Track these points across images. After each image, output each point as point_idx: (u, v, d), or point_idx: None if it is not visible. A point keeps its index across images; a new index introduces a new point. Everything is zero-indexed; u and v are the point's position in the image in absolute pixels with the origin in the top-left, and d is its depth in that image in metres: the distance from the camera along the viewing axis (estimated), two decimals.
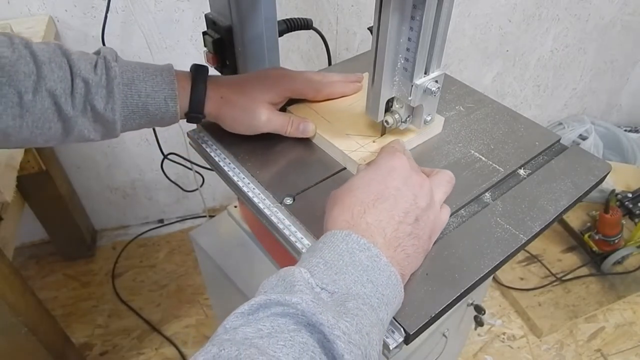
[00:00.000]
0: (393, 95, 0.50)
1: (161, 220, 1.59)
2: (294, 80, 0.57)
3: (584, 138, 1.73)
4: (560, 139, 0.58)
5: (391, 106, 0.52)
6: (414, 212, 0.40)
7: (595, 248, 1.46)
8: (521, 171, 0.54)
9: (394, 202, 0.40)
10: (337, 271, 0.34)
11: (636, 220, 1.46)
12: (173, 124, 0.54)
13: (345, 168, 0.53)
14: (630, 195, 1.48)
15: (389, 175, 0.42)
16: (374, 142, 0.54)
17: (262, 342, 0.28)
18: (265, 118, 0.53)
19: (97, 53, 0.51)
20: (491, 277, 0.66)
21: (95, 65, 0.48)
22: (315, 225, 0.46)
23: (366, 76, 0.63)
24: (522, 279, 1.47)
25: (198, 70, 0.54)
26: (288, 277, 0.33)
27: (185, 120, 0.55)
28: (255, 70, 0.62)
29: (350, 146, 0.53)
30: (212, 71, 0.64)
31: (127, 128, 0.52)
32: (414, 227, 0.40)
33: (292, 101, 0.59)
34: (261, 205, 0.49)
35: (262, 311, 0.31)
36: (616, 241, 1.42)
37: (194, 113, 0.53)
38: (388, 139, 0.54)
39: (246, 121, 0.54)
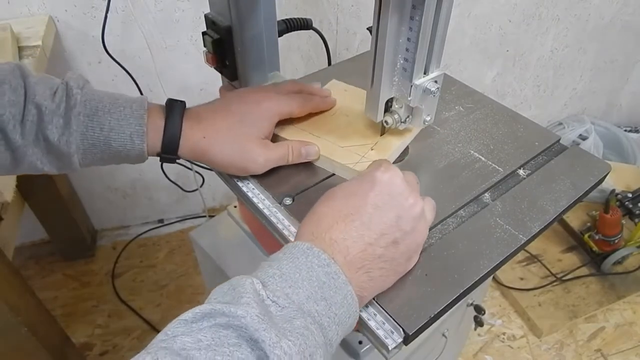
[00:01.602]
0: (392, 96, 0.50)
1: (161, 220, 1.59)
2: (277, 102, 0.52)
3: (584, 138, 1.73)
4: (559, 139, 0.58)
5: (390, 106, 0.51)
6: (392, 235, 0.38)
7: (595, 248, 1.46)
8: (521, 171, 0.54)
9: (368, 221, 0.37)
10: (292, 284, 0.33)
11: (636, 220, 1.45)
12: (141, 162, 0.49)
13: None
14: (630, 195, 1.48)
15: (372, 190, 0.39)
16: (372, 149, 0.53)
17: (199, 355, 0.27)
18: (263, 159, 0.49)
19: (63, 79, 0.46)
20: (491, 277, 0.66)
21: (55, 92, 0.44)
22: None
23: (332, 86, 0.62)
24: (522, 279, 1.47)
25: (171, 106, 0.48)
26: (239, 287, 0.31)
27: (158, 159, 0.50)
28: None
29: (352, 158, 0.52)
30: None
31: (88, 162, 0.47)
32: (389, 249, 0.38)
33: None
34: (261, 206, 0.49)
35: (206, 320, 0.30)
36: (616, 241, 1.42)
37: (166, 154, 0.48)
38: (387, 139, 0.54)
39: (241, 165, 0.49)
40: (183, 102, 0.49)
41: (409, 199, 0.39)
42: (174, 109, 0.48)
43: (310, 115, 0.58)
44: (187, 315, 0.30)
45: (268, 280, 0.33)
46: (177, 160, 0.50)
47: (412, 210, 0.39)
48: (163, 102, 0.50)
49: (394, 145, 0.53)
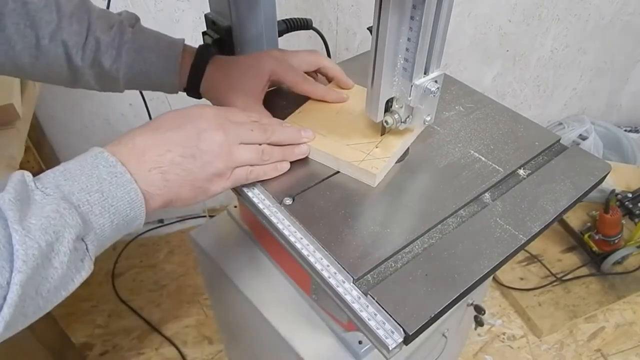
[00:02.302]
0: (393, 96, 0.50)
1: (161, 220, 1.59)
2: (275, 64, 0.57)
3: (584, 138, 1.73)
4: (560, 139, 0.58)
5: (391, 106, 0.51)
6: (190, 149, 0.43)
7: (595, 248, 1.46)
8: (521, 171, 0.54)
9: (172, 134, 0.43)
10: (69, 178, 0.37)
11: (636, 220, 1.46)
12: (174, 93, 0.60)
13: None
14: (630, 195, 1.48)
15: (185, 117, 0.45)
16: (376, 147, 0.53)
17: None
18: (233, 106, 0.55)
19: (119, 14, 0.56)
20: (491, 277, 0.66)
21: (112, 27, 0.53)
22: (315, 225, 0.46)
23: (357, 90, 0.62)
24: (522, 279, 1.47)
25: (201, 54, 0.58)
26: (9, 179, 0.35)
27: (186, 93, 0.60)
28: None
29: (357, 156, 0.52)
30: None
31: (130, 87, 0.58)
32: (187, 160, 0.43)
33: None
34: (261, 206, 0.49)
35: None
36: (616, 241, 1.42)
37: (190, 90, 0.59)
38: (390, 137, 0.54)
39: (220, 102, 0.57)
40: (211, 50, 0.59)
41: (210, 126, 0.45)
42: (202, 55, 0.57)
43: (315, 113, 0.58)
44: None
45: (48, 174, 0.38)
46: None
47: (212, 134, 0.45)
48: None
49: (398, 143, 0.54)
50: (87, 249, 0.38)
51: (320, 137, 0.54)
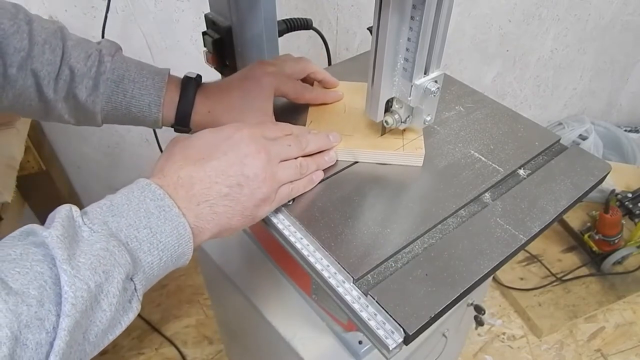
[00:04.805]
0: (393, 96, 0.50)
1: None
2: (276, 80, 0.55)
3: (584, 138, 1.73)
4: (560, 139, 0.58)
5: (391, 106, 0.52)
6: (236, 178, 0.42)
7: (595, 248, 1.46)
8: (521, 171, 0.54)
9: (215, 164, 0.42)
10: (115, 213, 0.36)
11: (636, 220, 1.46)
12: (156, 128, 0.55)
13: (346, 167, 0.53)
14: (630, 195, 1.48)
15: (225, 142, 0.44)
16: (404, 130, 0.55)
17: (1, 266, 0.30)
18: None
19: (99, 43, 0.52)
20: (491, 277, 0.66)
21: (89, 56, 0.50)
22: (315, 225, 0.46)
23: (343, 85, 0.63)
24: (522, 279, 1.48)
25: (186, 83, 0.53)
26: (57, 212, 0.35)
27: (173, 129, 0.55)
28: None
29: (395, 144, 0.53)
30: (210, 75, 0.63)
31: (110, 121, 0.53)
32: (234, 190, 0.42)
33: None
34: None
35: (26, 238, 0.33)
36: (616, 241, 1.42)
37: (179, 126, 0.54)
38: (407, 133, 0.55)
39: None
40: (197, 79, 0.54)
41: (251, 149, 0.44)
42: (189, 86, 0.53)
43: (327, 118, 0.58)
44: (16, 232, 0.33)
45: (94, 209, 0.36)
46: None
47: (255, 159, 0.43)
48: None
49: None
50: (135, 288, 0.36)
51: (348, 137, 0.55)
